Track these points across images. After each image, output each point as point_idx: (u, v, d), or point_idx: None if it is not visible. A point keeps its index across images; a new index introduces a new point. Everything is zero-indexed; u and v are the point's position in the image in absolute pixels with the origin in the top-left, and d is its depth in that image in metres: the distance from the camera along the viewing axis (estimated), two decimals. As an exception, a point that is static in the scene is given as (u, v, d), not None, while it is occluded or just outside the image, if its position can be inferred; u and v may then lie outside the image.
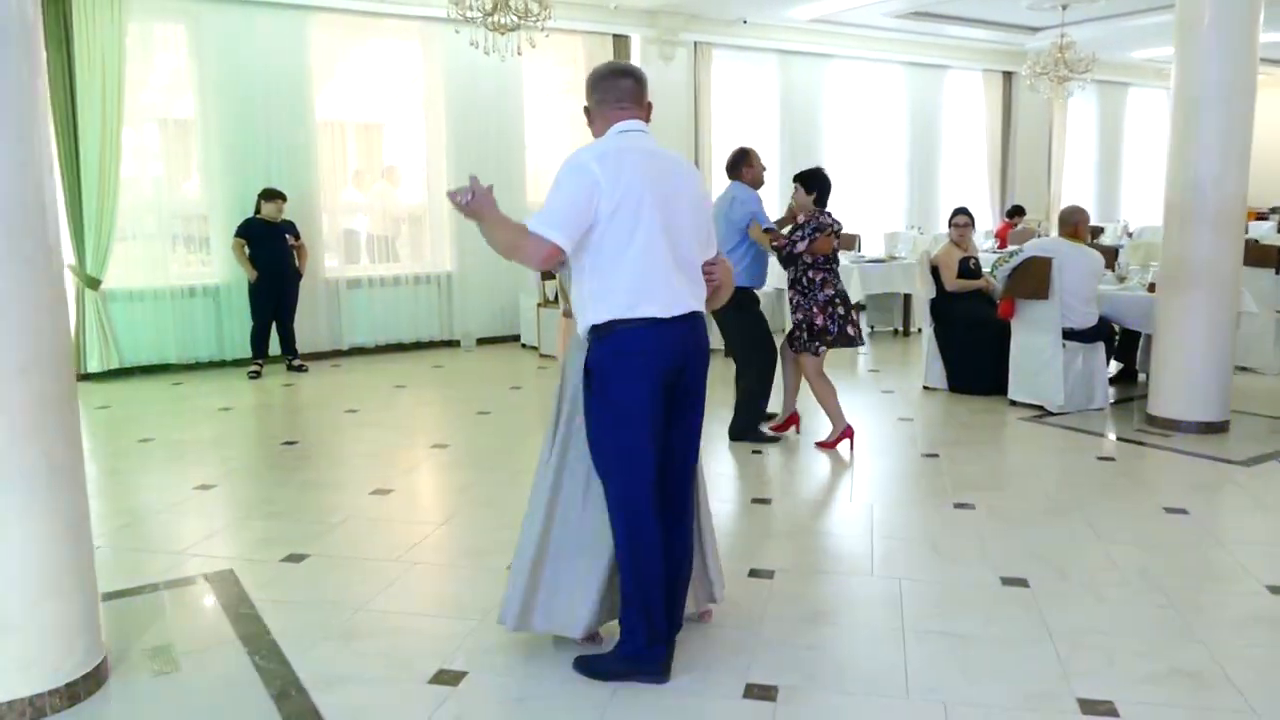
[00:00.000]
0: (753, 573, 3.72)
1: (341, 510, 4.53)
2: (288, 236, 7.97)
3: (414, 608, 3.47)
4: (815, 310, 5.42)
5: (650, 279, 2.76)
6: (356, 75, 8.98)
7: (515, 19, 6.63)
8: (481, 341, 9.55)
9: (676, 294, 2.79)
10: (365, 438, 5.97)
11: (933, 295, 7.17)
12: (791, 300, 5.55)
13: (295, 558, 3.94)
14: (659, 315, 2.77)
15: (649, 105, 2.92)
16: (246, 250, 7.84)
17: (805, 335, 5.47)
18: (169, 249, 8.26)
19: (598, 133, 2.90)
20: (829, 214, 5.44)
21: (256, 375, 7.92)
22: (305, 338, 8.46)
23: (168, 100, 8.28)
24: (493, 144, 9.36)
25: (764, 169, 5.85)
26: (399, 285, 9.19)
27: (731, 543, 4.06)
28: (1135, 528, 4.22)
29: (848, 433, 5.59)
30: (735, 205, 5.59)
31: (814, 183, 5.47)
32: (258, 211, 7.89)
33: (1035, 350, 6.38)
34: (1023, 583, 3.59)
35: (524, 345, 9.31)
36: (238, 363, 8.33)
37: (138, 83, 7.96)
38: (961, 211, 7.32)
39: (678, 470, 2.95)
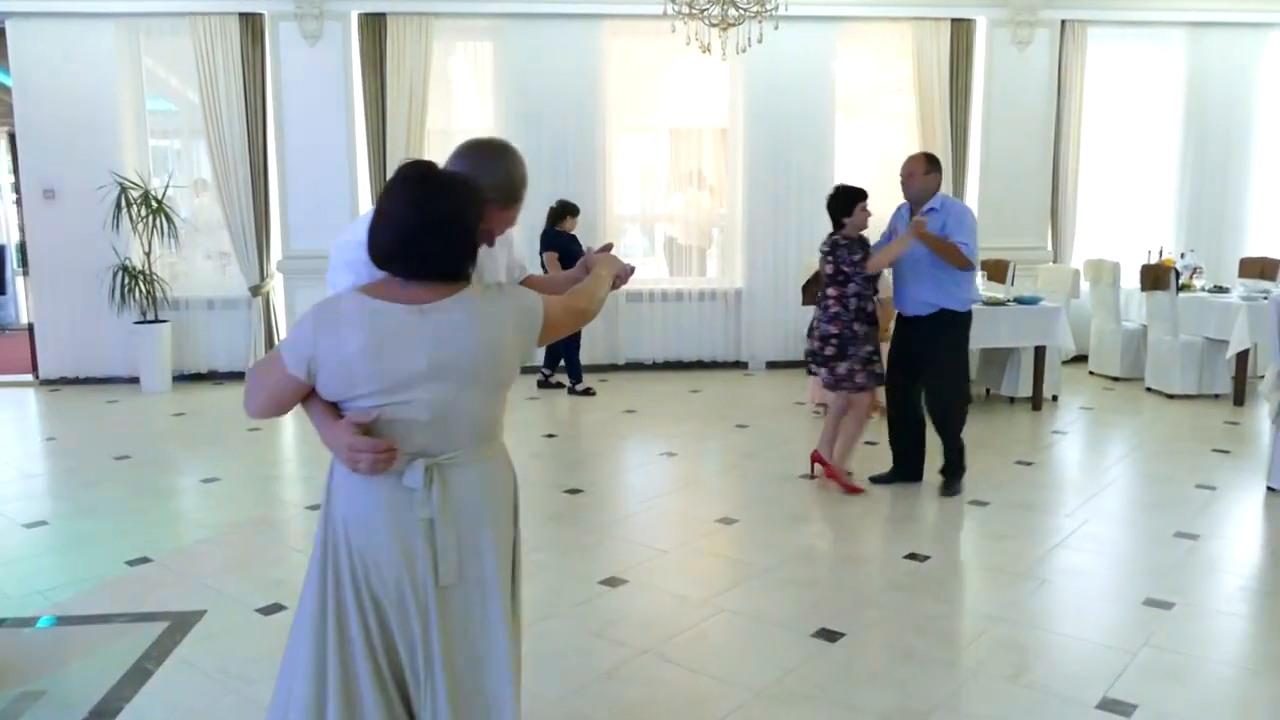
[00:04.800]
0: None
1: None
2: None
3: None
4: None
5: None
6: (652, 81, 8.65)
7: (740, 11, 5.79)
8: (771, 365, 8.78)
9: None
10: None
11: (1292, 356, 5.05)
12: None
13: (272, 609, 3.71)
14: None
15: None
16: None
17: None
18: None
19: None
20: None
21: (592, 392, 7.75)
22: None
23: (466, 115, 8.66)
24: (796, 149, 8.52)
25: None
26: (682, 301, 8.75)
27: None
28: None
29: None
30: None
31: None
32: (556, 224, 7.65)
33: None
34: None
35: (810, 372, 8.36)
36: (524, 369, 8.48)
37: (440, 99, 8.41)
38: None
39: None
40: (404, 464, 1.90)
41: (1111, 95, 8.85)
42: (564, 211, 7.64)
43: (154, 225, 7.90)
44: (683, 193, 9.03)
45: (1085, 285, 8.36)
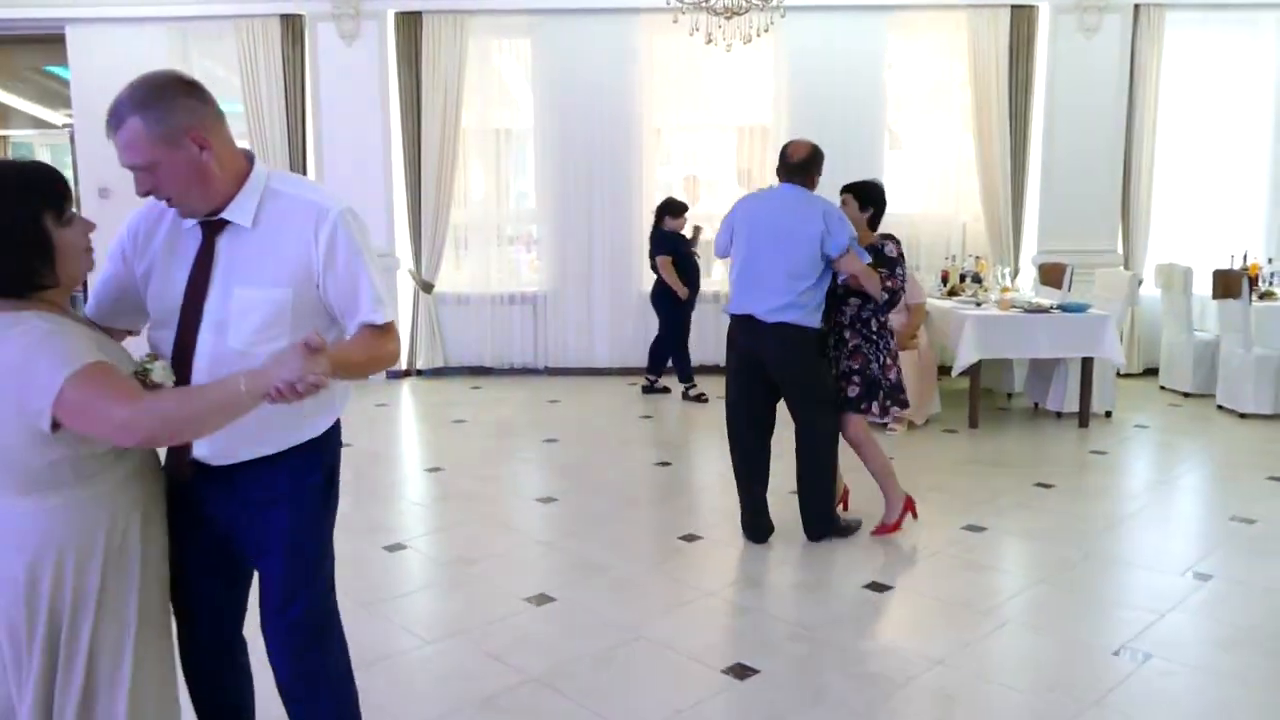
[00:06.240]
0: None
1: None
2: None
3: None
4: (889, 362, 4.30)
5: None
6: (692, 77, 8.38)
7: (746, 2, 5.50)
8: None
9: None
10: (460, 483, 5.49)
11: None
12: (849, 347, 4.27)
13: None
14: None
15: None
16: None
17: (866, 391, 4.25)
18: (495, 256, 8.61)
19: (232, 164, 1.99)
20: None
21: (705, 399, 7.33)
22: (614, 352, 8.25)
23: (501, 112, 8.59)
24: (843, 146, 8.03)
25: None
26: (721, 303, 8.44)
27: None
28: None
29: (909, 505, 4.42)
30: (834, 223, 4.07)
31: (871, 197, 4.27)
32: (659, 223, 7.31)
33: None
34: None
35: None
36: (553, 372, 8.40)
37: (476, 97, 8.35)
38: None
39: None
40: None
41: (1192, 86, 8.13)
42: (663, 210, 7.30)
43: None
44: (726, 191, 8.74)
45: (1157, 292, 7.73)
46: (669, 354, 7.52)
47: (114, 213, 8.78)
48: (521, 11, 8.14)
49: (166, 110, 1.85)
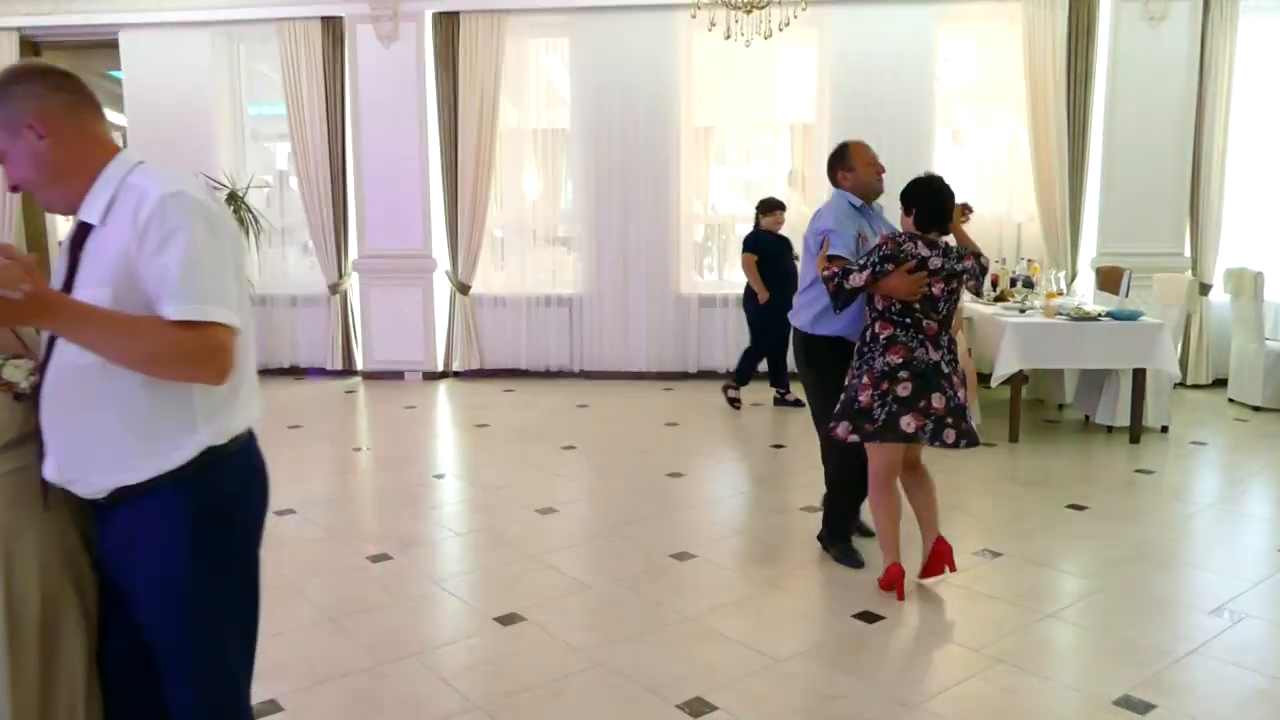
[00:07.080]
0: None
1: (305, 573, 4.07)
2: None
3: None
4: (864, 381, 3.69)
5: (249, 376, 1.98)
6: (734, 75, 8.14)
7: (766, -7, 5.27)
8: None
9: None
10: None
11: None
12: (854, 358, 3.86)
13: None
14: (251, 423, 2.00)
15: None
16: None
17: (844, 411, 3.75)
18: (532, 258, 8.52)
19: (86, 157, 1.85)
20: (920, 241, 3.65)
21: (738, 405, 7.14)
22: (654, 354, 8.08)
23: (538, 112, 8.48)
24: (889, 144, 7.62)
25: (880, 170, 4.05)
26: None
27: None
28: None
29: (893, 576, 3.74)
30: (813, 223, 4.03)
31: (907, 198, 3.74)
32: (757, 225, 7.05)
33: None
34: None
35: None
36: (588, 375, 8.29)
37: (511, 96, 8.27)
38: None
39: None
40: None
41: (1267, 79, 7.58)
42: (759, 208, 7.07)
43: (240, 225, 8.20)
44: (774, 191, 8.48)
45: (1226, 298, 7.23)
46: (776, 358, 7.11)
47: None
48: (559, 10, 8.02)
49: (5, 98, 1.81)
